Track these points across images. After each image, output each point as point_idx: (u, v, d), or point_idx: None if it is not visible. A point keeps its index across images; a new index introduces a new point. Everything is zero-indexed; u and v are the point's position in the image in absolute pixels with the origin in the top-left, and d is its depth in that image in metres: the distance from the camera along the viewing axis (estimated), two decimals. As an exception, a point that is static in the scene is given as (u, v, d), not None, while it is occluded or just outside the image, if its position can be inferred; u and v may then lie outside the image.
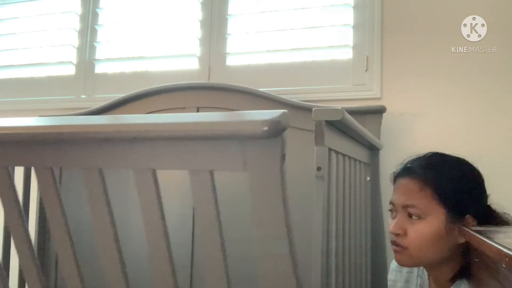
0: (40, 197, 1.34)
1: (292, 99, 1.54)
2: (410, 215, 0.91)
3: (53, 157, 0.47)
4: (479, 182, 0.96)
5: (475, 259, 0.83)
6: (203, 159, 0.39)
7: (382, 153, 1.49)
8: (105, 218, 0.45)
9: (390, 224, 0.95)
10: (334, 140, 0.93)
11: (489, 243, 0.63)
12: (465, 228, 0.84)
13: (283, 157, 0.37)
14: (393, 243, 0.93)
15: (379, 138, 1.48)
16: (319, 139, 0.86)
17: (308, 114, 1.46)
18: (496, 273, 0.66)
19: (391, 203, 0.97)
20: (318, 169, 0.86)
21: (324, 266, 0.86)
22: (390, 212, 0.98)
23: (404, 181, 0.95)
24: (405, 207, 0.92)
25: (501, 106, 1.51)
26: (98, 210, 0.46)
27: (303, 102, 1.52)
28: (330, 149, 0.91)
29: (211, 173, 0.39)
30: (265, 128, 0.34)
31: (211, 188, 0.39)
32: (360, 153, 1.25)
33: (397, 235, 0.92)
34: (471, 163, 0.98)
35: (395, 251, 0.93)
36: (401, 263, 0.96)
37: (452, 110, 1.55)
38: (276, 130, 0.35)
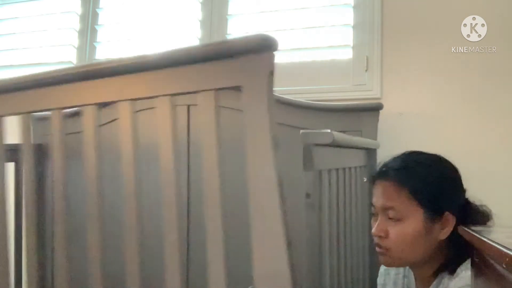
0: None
1: (292, 99, 1.54)
2: (389, 217, 0.92)
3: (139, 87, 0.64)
4: (455, 179, 0.97)
5: (475, 259, 0.83)
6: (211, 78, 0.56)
7: (381, 153, 1.48)
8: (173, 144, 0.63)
9: (373, 226, 0.96)
10: (324, 160, 0.87)
11: (489, 243, 0.63)
12: (465, 228, 0.84)
13: (271, 73, 0.48)
14: (376, 245, 0.95)
15: (376, 135, 1.47)
16: (308, 164, 0.79)
17: (309, 114, 1.46)
18: (496, 273, 0.66)
19: (372, 205, 0.98)
20: (307, 196, 0.78)
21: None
22: (372, 215, 0.99)
23: (381, 184, 0.96)
24: (384, 209, 0.93)
25: (501, 106, 1.51)
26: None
27: (304, 101, 1.51)
28: (320, 172, 0.84)
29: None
30: (258, 42, 0.48)
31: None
32: (355, 159, 1.23)
33: (380, 237, 0.93)
34: (447, 160, 0.98)
35: (379, 253, 0.95)
36: (385, 264, 0.99)
37: (452, 110, 1.55)
38: (267, 45, 0.48)
